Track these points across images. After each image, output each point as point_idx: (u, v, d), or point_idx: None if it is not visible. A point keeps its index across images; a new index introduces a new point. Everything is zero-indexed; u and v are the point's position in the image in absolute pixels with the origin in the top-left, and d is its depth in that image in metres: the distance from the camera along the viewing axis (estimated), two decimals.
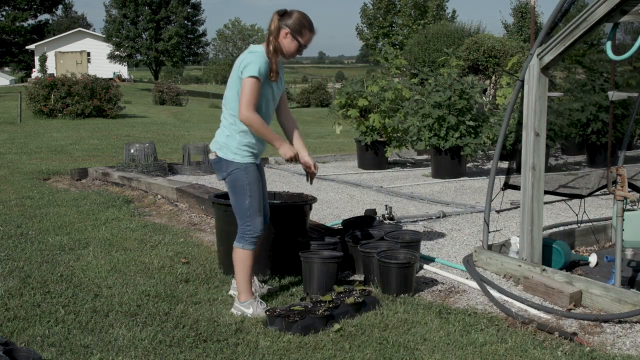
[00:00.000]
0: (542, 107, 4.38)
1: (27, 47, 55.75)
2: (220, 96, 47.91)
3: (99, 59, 52.58)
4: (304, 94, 40.90)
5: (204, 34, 57.45)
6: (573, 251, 5.12)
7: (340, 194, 8.00)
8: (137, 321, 3.83)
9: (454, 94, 8.88)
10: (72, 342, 3.52)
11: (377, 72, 12.21)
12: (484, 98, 10.96)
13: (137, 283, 4.54)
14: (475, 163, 10.61)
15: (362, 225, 5.25)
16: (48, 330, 3.68)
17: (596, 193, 5.50)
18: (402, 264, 4.27)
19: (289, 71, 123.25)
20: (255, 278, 4.43)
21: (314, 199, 4.98)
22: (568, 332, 3.64)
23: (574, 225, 5.49)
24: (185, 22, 54.80)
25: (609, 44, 4.11)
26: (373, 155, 10.03)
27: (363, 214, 5.88)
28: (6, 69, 62.12)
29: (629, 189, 4.31)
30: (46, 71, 41.21)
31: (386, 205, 6.08)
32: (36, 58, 49.99)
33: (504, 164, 6.48)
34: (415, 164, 10.76)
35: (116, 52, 52.12)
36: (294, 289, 4.48)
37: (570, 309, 4.00)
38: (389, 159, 10.31)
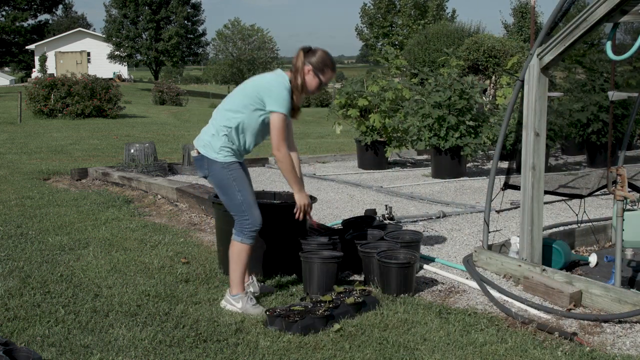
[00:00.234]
0: (542, 107, 4.38)
1: (27, 47, 55.75)
2: (220, 96, 48.00)
3: (99, 59, 52.59)
4: None
5: (203, 33, 57.47)
6: (573, 251, 5.12)
7: (340, 194, 8.01)
8: (137, 321, 3.83)
9: (454, 94, 8.89)
10: (72, 342, 3.52)
11: (377, 72, 12.20)
12: (484, 98, 10.96)
13: (137, 283, 4.54)
14: (475, 163, 10.61)
15: (362, 225, 5.25)
16: (48, 330, 3.68)
17: (596, 193, 5.50)
18: (402, 264, 4.27)
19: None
20: (254, 278, 4.43)
21: (314, 199, 4.98)
22: (568, 332, 3.64)
23: (574, 225, 5.49)
24: (185, 22, 54.79)
25: (609, 44, 4.11)
26: (373, 155, 10.04)
27: (363, 214, 5.88)
28: (6, 69, 62.13)
29: (629, 189, 4.31)
30: (46, 71, 41.21)
31: (386, 205, 6.08)
32: (36, 58, 50.00)
33: (504, 164, 6.48)
34: (415, 164, 10.76)
35: (116, 52, 52.13)
36: (294, 289, 4.48)
37: (570, 309, 4.00)
38: (389, 159, 10.31)
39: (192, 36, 56.15)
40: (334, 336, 3.63)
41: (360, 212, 6.41)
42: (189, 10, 54.65)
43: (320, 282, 4.27)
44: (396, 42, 41.11)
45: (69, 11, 79.12)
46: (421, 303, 4.13)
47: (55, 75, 26.28)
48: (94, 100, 20.76)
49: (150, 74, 59.31)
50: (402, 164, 10.80)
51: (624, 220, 4.15)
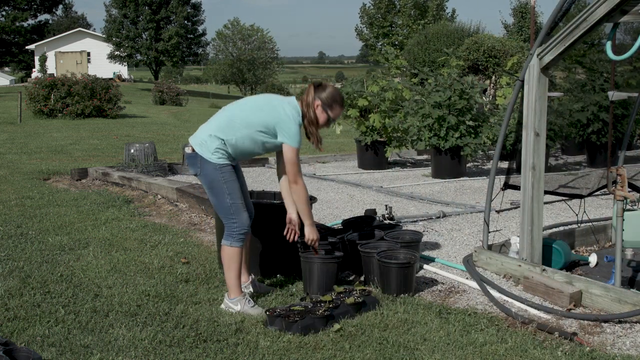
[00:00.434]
0: (542, 107, 4.38)
1: (27, 47, 55.71)
2: (220, 96, 48.01)
3: (99, 59, 52.55)
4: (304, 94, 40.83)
5: (203, 33, 57.43)
6: (573, 251, 5.12)
7: (340, 194, 8.01)
8: (137, 321, 3.83)
9: (454, 94, 8.89)
10: (72, 342, 3.52)
11: (377, 72, 12.21)
12: (484, 98, 10.97)
13: (137, 283, 4.54)
14: (475, 163, 10.61)
15: (362, 225, 5.25)
16: (48, 330, 3.68)
17: (596, 193, 5.50)
18: (402, 264, 4.27)
19: (289, 71, 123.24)
20: (254, 277, 4.43)
21: (314, 199, 4.98)
22: (568, 332, 3.64)
23: (574, 225, 5.49)
24: (185, 22, 54.76)
25: (609, 44, 4.11)
26: (373, 155, 10.04)
27: (363, 214, 5.88)
28: (6, 69, 62.10)
29: (629, 189, 4.31)
30: (46, 71, 41.18)
31: (386, 205, 6.08)
32: (36, 58, 49.97)
33: (504, 164, 6.48)
34: (415, 164, 10.76)
35: (116, 52, 52.08)
36: (294, 289, 4.48)
37: (570, 309, 4.00)
38: (389, 159, 10.31)
39: (192, 36, 56.11)
40: (334, 336, 3.63)
41: (360, 212, 6.41)
42: (189, 10, 54.61)
43: (320, 282, 4.27)
44: (396, 42, 41.09)
45: (69, 11, 79.10)
46: (421, 303, 4.13)
47: (55, 75, 26.26)
48: (94, 100, 20.75)
49: (150, 74, 59.27)
50: (402, 164, 10.80)
51: (624, 220, 4.15)
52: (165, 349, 3.46)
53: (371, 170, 10.00)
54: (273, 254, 4.65)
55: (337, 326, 3.71)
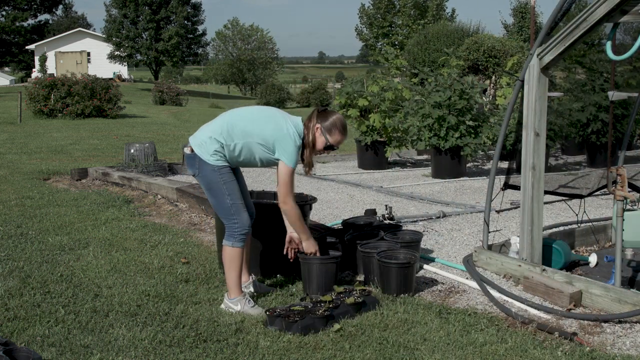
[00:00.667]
0: (542, 107, 4.38)
1: (27, 47, 55.71)
2: (220, 96, 48.00)
3: (99, 59, 52.54)
4: (304, 94, 40.86)
5: (203, 33, 57.43)
6: (573, 251, 5.12)
7: (340, 194, 8.01)
8: (137, 321, 3.83)
9: (454, 94, 8.89)
10: (72, 342, 3.53)
11: (377, 72, 12.22)
12: (484, 98, 10.96)
13: (137, 283, 4.54)
14: (475, 163, 10.61)
15: (362, 225, 5.24)
16: (48, 330, 3.68)
17: (596, 193, 5.50)
18: (402, 264, 4.27)
19: (289, 71, 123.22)
20: (254, 277, 4.43)
21: (314, 199, 4.98)
22: (568, 332, 3.64)
23: (574, 225, 5.49)
24: (185, 22, 54.76)
25: (609, 44, 4.11)
26: (373, 155, 10.04)
27: (363, 214, 5.87)
28: (6, 69, 62.09)
29: (629, 189, 4.31)
30: (46, 71, 41.16)
31: (386, 205, 6.08)
32: (36, 58, 49.96)
33: (504, 164, 6.48)
34: (415, 164, 10.76)
35: (116, 52, 52.08)
36: (294, 289, 4.48)
37: (570, 309, 4.00)
38: (389, 159, 10.31)
39: (192, 36, 56.12)
40: (334, 336, 3.63)
41: (360, 212, 6.41)
42: (189, 10, 54.61)
43: (320, 282, 4.27)
44: (396, 42, 41.10)
45: (69, 11, 79.08)
46: (421, 303, 4.14)
47: (55, 75, 26.25)
48: (94, 100, 20.74)
49: (150, 74, 59.27)
50: (402, 164, 10.80)
51: (624, 220, 4.15)
52: (165, 349, 3.46)
53: (371, 170, 10.00)
54: (273, 254, 4.65)
55: (337, 326, 3.71)
